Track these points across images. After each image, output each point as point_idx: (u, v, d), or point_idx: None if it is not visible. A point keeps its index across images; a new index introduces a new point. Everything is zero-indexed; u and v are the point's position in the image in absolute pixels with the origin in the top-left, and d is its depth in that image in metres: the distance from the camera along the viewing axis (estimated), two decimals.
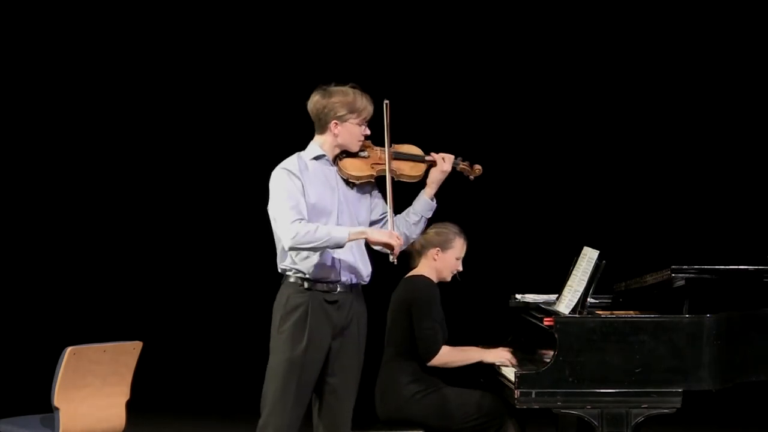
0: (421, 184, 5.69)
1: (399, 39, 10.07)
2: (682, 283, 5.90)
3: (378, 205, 5.66)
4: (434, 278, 6.26)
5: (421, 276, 6.23)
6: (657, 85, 9.98)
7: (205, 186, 10.26)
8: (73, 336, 6.51)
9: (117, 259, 10.33)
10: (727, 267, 5.94)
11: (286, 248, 5.39)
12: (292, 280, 5.49)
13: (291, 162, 5.50)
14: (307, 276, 5.45)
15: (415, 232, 5.68)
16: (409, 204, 5.70)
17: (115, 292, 10.27)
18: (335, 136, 5.51)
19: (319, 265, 5.45)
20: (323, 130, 5.53)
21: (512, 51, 10.05)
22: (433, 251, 6.24)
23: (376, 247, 5.54)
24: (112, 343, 6.00)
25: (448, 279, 6.30)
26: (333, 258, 5.46)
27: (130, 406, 6.09)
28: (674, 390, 5.70)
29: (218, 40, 10.17)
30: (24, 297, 10.26)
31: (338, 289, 5.49)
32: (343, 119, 5.50)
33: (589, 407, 5.70)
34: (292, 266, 5.47)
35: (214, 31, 10.17)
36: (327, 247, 5.38)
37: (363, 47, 10.02)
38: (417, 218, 5.66)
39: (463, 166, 5.78)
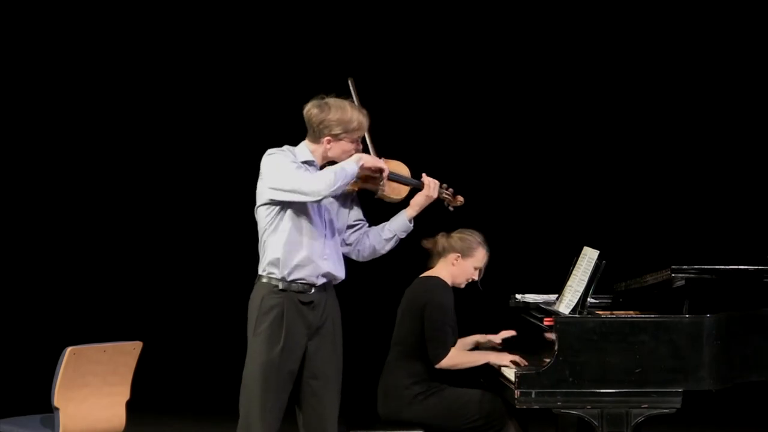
0: (402, 204, 5.68)
1: (396, 38, 10.08)
2: (682, 283, 5.90)
3: (354, 211, 5.66)
4: (449, 282, 6.24)
5: (436, 278, 6.21)
6: (657, 85, 9.99)
7: (204, 186, 10.26)
8: (73, 336, 6.51)
9: (117, 259, 10.34)
10: (727, 267, 5.94)
11: (313, 191, 5.33)
12: (265, 280, 5.48)
13: (282, 150, 5.51)
14: (282, 277, 5.44)
15: (384, 248, 5.68)
16: (383, 220, 5.69)
17: (115, 292, 10.27)
18: (326, 150, 5.52)
19: (296, 267, 5.43)
20: (316, 140, 5.52)
21: (514, 51, 10.06)
22: (453, 256, 6.23)
23: (366, 171, 5.51)
24: (112, 343, 6.00)
25: (462, 286, 6.29)
26: (310, 260, 5.44)
27: (130, 406, 6.09)
28: (674, 390, 5.70)
29: (200, 37, 10.18)
30: (24, 297, 10.26)
31: (312, 290, 5.48)
32: (338, 137, 5.50)
33: (589, 407, 5.70)
34: (268, 267, 5.45)
35: (192, 28, 10.18)
36: (347, 181, 5.39)
37: (356, 47, 10.04)
38: (391, 236, 5.67)
39: (446, 195, 5.80)
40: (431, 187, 5.68)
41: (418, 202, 5.68)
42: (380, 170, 5.52)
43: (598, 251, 6.00)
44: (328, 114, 5.48)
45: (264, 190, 5.49)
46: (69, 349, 5.78)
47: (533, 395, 5.70)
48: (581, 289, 5.97)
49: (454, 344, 6.16)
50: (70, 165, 10.30)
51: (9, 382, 9.71)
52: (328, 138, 5.49)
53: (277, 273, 5.44)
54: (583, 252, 6.16)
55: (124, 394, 6.05)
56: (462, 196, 5.83)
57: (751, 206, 9.77)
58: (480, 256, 6.26)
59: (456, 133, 10.10)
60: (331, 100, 5.52)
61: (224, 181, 10.14)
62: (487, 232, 9.85)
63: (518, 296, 6.64)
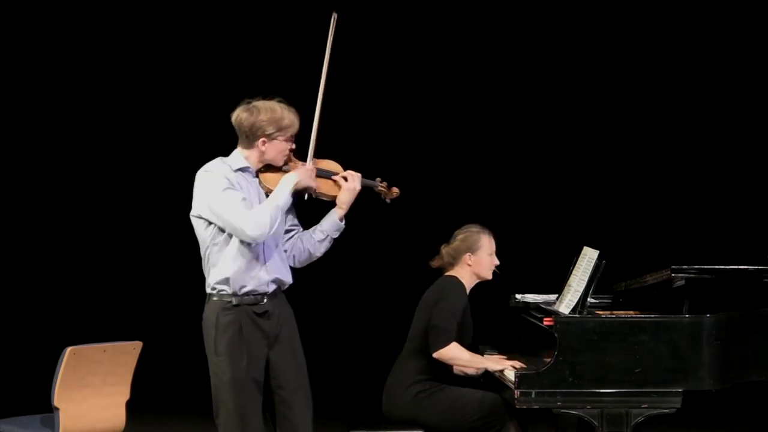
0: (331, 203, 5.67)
1: (396, 32, 10.09)
2: (682, 283, 5.90)
3: (290, 215, 5.64)
4: (473, 281, 6.23)
5: (453, 276, 6.21)
6: (657, 85, 9.98)
7: None
8: (73, 336, 6.51)
9: (117, 259, 10.33)
10: (727, 267, 5.94)
11: (254, 237, 5.33)
12: (216, 298, 5.45)
13: (217, 166, 5.48)
14: (233, 292, 5.41)
15: (319, 250, 5.64)
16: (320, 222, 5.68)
17: (115, 292, 10.27)
18: (262, 152, 5.49)
19: (246, 280, 5.41)
20: (249, 145, 5.50)
21: (515, 51, 10.05)
22: (465, 257, 6.22)
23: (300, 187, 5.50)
24: (112, 343, 6.00)
25: (490, 277, 6.27)
26: (258, 270, 5.42)
27: (130, 406, 6.09)
28: (674, 390, 5.70)
29: (193, 40, 10.19)
30: (24, 297, 10.26)
31: (264, 300, 5.45)
32: (272, 137, 5.47)
33: (589, 407, 5.70)
34: (216, 284, 5.42)
35: (186, 31, 10.19)
36: (283, 213, 5.40)
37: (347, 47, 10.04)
38: (323, 236, 5.63)
39: (381, 188, 5.78)
40: (353, 179, 5.63)
41: (343, 199, 5.62)
42: (312, 188, 5.50)
43: (598, 251, 6.00)
44: (259, 116, 5.46)
45: (203, 209, 5.44)
46: (69, 349, 5.78)
47: (533, 395, 5.70)
48: (581, 289, 5.97)
49: (465, 345, 6.15)
50: (70, 165, 10.30)
51: (9, 382, 9.70)
52: (263, 140, 5.46)
53: (228, 289, 5.42)
54: (583, 252, 6.16)
55: (124, 394, 6.06)
56: (397, 187, 5.79)
57: (751, 206, 9.77)
58: (487, 242, 6.25)
59: (456, 134, 10.09)
60: (259, 103, 5.50)
61: None
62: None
63: (518, 296, 6.64)
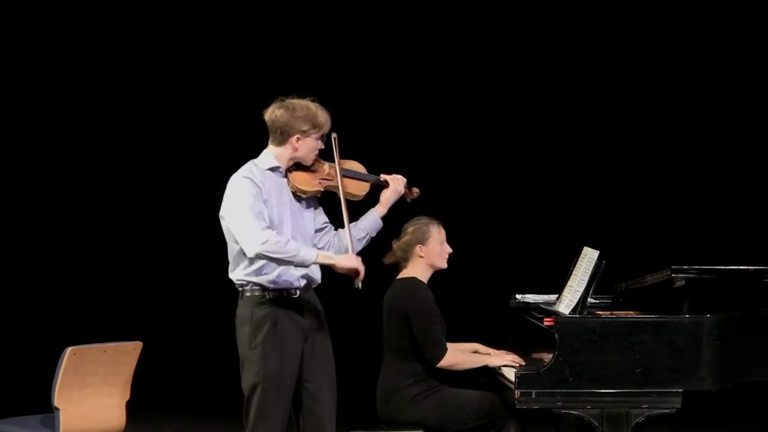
0: (361, 201, 5.70)
1: (400, 34, 10.09)
2: (682, 283, 5.90)
3: (319, 215, 5.68)
4: (429, 273, 6.23)
5: (412, 278, 6.21)
6: (657, 85, 9.98)
7: (204, 187, 10.25)
8: (73, 336, 6.51)
9: (117, 260, 10.33)
10: (727, 267, 5.94)
11: (251, 253, 5.35)
12: (249, 294, 5.48)
13: (250, 170, 5.51)
14: (267, 286, 5.44)
15: (358, 248, 5.68)
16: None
17: (115, 292, 10.27)
18: (295, 149, 5.53)
19: (278, 275, 5.44)
20: (282, 142, 5.53)
21: (517, 51, 10.05)
22: (416, 249, 6.22)
23: (342, 271, 5.51)
24: (112, 343, 6.00)
25: (445, 266, 6.27)
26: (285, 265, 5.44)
27: (130, 406, 6.10)
28: (674, 390, 5.70)
29: (197, 40, 10.19)
30: (24, 297, 10.26)
31: (297, 294, 5.49)
32: (306, 134, 5.51)
33: (589, 407, 5.70)
34: (248, 279, 5.45)
35: (188, 31, 10.19)
36: (292, 263, 5.37)
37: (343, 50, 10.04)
38: (363, 234, 5.69)
39: (404, 189, 5.83)
40: (399, 182, 5.74)
41: (388, 199, 5.73)
42: (356, 272, 5.46)
43: (598, 251, 6.00)
44: (295, 112, 5.50)
45: (225, 214, 5.53)
46: (69, 349, 5.79)
47: (533, 395, 5.70)
48: (581, 289, 5.97)
49: (444, 336, 6.15)
50: (70, 165, 10.30)
51: (9, 382, 9.71)
52: (297, 136, 5.51)
53: (259, 284, 5.44)
54: (583, 252, 6.16)
55: (124, 394, 6.06)
56: (417, 187, 5.87)
57: (752, 206, 9.77)
58: (436, 232, 6.24)
59: (457, 134, 10.09)
60: (294, 101, 5.55)
61: (224, 181, 10.11)
62: (488, 232, 9.87)
63: (518, 296, 6.63)
